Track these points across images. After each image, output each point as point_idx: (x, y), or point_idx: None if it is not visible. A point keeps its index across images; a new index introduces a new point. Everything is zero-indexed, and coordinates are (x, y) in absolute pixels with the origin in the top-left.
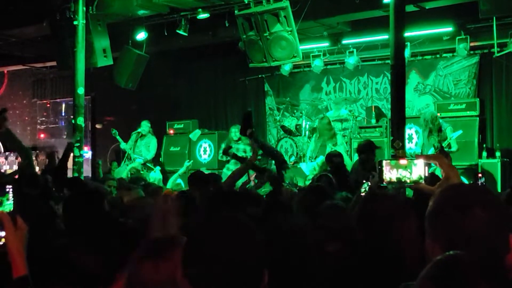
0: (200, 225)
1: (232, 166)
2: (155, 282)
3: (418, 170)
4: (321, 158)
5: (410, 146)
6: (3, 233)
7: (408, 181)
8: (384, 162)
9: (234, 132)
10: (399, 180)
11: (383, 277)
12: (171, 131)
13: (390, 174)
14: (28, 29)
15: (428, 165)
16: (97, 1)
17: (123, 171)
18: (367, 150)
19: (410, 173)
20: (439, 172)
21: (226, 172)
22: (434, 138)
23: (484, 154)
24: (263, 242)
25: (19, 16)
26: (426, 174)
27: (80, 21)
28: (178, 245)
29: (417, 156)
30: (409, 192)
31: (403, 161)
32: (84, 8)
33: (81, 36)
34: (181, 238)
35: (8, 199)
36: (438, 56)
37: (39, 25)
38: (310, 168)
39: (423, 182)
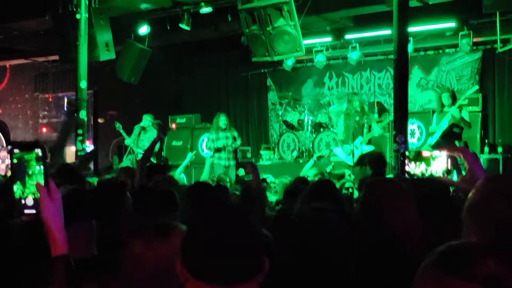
0: (197, 213)
1: (223, 155)
2: (148, 258)
3: (439, 163)
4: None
5: (412, 141)
6: (31, 201)
7: (431, 173)
8: (406, 155)
9: (222, 120)
10: (421, 173)
11: (385, 262)
12: (174, 126)
13: (412, 166)
14: (30, 22)
15: (451, 157)
16: None
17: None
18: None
19: (428, 165)
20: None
21: (217, 162)
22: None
23: (486, 149)
24: (260, 229)
25: (21, 9)
26: (449, 167)
27: (82, 15)
28: (175, 229)
29: (440, 148)
30: None
31: (426, 153)
32: (87, 2)
33: (84, 29)
34: (180, 225)
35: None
36: (440, 51)
37: (41, 18)
38: (347, 150)
39: (445, 175)
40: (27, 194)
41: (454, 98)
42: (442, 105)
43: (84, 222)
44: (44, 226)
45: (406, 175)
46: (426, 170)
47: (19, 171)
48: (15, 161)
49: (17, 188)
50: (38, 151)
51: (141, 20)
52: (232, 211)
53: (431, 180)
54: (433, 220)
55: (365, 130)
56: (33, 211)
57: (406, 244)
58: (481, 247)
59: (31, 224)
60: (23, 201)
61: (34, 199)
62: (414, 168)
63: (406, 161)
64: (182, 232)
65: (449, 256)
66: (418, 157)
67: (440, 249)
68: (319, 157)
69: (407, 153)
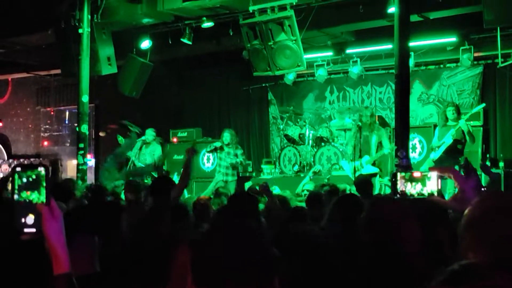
0: (208, 232)
1: (222, 170)
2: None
3: (431, 183)
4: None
5: (414, 155)
6: (31, 220)
7: (422, 194)
8: (398, 175)
9: (225, 136)
10: (412, 193)
11: (388, 279)
12: (175, 139)
13: (403, 187)
14: (33, 37)
15: (441, 177)
16: (102, 9)
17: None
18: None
19: (424, 186)
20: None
21: (216, 177)
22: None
23: (488, 164)
24: (272, 248)
25: (24, 24)
26: (439, 187)
27: (85, 29)
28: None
29: (430, 169)
30: None
31: (417, 174)
32: (89, 16)
33: (86, 44)
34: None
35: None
36: (441, 66)
37: (44, 33)
38: (351, 168)
39: (436, 195)
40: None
41: (458, 113)
42: (446, 119)
43: (87, 238)
44: (45, 245)
45: (398, 196)
46: (422, 190)
47: (29, 184)
48: (22, 180)
49: (27, 196)
50: (41, 170)
51: (143, 35)
52: (243, 230)
53: (428, 200)
54: (433, 237)
55: (373, 147)
56: (33, 230)
57: (411, 262)
58: (490, 266)
59: (32, 243)
60: (23, 220)
61: (35, 218)
62: (410, 188)
63: (403, 182)
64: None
65: (460, 274)
66: (412, 177)
67: (451, 268)
68: (315, 173)
69: (403, 173)
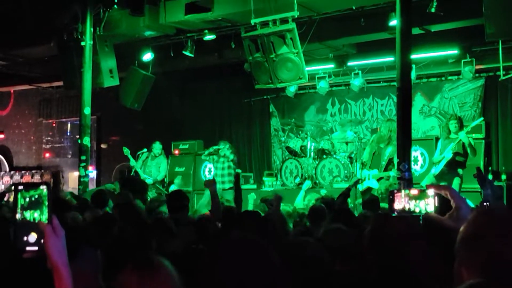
0: (213, 248)
1: (219, 178)
2: None
3: (429, 200)
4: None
5: (416, 168)
6: (34, 238)
7: (418, 211)
8: (395, 192)
9: (222, 148)
10: (410, 210)
11: None
12: (176, 152)
13: (400, 204)
14: (35, 49)
15: (438, 195)
16: (104, 22)
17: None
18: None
19: (419, 203)
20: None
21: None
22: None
23: (490, 177)
24: (279, 262)
25: (27, 36)
26: (436, 204)
27: (87, 42)
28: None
29: (427, 186)
30: None
31: (414, 191)
32: (92, 29)
33: (88, 56)
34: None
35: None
36: (443, 78)
37: (46, 45)
38: (374, 176)
39: (434, 212)
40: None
41: (461, 125)
42: (449, 132)
43: (89, 254)
44: (48, 263)
45: (395, 213)
46: (419, 207)
47: (31, 204)
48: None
49: (30, 215)
50: (44, 188)
51: (145, 47)
52: (248, 245)
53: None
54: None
55: (383, 162)
56: (36, 248)
57: (418, 277)
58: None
59: (34, 261)
60: (25, 238)
61: (37, 236)
62: (414, 207)
63: (407, 199)
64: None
65: None
66: (407, 194)
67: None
68: (308, 190)
69: (406, 191)
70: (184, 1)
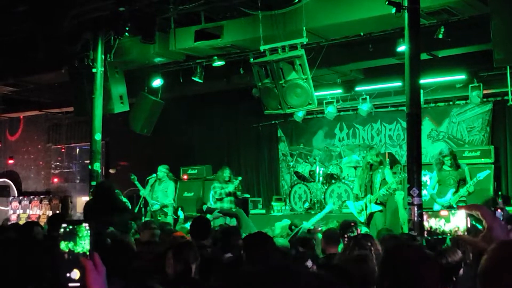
0: (248, 277)
1: (226, 205)
2: None
3: (459, 221)
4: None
5: (424, 193)
6: (76, 274)
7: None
8: (424, 213)
9: (226, 173)
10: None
11: None
12: (185, 177)
13: (430, 225)
14: (46, 75)
15: (470, 215)
16: (115, 49)
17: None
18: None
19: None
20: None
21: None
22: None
23: (500, 201)
24: None
25: (38, 63)
26: (469, 225)
27: (98, 69)
28: None
29: (458, 207)
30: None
31: (444, 212)
32: (103, 56)
33: (99, 83)
34: None
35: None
36: (451, 103)
37: (57, 71)
38: (358, 208)
39: (465, 233)
40: (77, 250)
41: (455, 160)
42: (442, 164)
43: (120, 284)
44: None
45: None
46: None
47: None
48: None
49: (65, 245)
50: (86, 226)
51: (154, 73)
52: (288, 275)
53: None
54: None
55: (377, 185)
56: (78, 284)
57: None
58: None
59: None
60: (67, 274)
61: (80, 273)
62: (437, 226)
63: (435, 220)
64: None
65: None
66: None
67: None
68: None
69: (430, 212)
70: (193, 28)
